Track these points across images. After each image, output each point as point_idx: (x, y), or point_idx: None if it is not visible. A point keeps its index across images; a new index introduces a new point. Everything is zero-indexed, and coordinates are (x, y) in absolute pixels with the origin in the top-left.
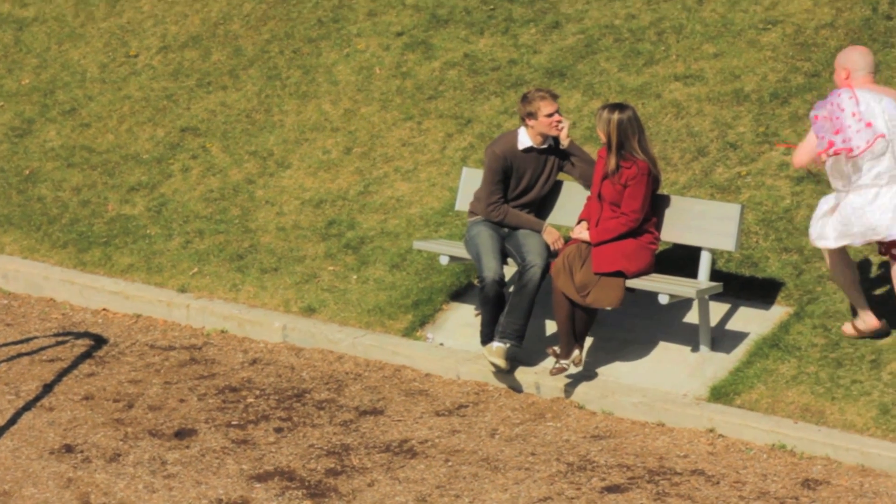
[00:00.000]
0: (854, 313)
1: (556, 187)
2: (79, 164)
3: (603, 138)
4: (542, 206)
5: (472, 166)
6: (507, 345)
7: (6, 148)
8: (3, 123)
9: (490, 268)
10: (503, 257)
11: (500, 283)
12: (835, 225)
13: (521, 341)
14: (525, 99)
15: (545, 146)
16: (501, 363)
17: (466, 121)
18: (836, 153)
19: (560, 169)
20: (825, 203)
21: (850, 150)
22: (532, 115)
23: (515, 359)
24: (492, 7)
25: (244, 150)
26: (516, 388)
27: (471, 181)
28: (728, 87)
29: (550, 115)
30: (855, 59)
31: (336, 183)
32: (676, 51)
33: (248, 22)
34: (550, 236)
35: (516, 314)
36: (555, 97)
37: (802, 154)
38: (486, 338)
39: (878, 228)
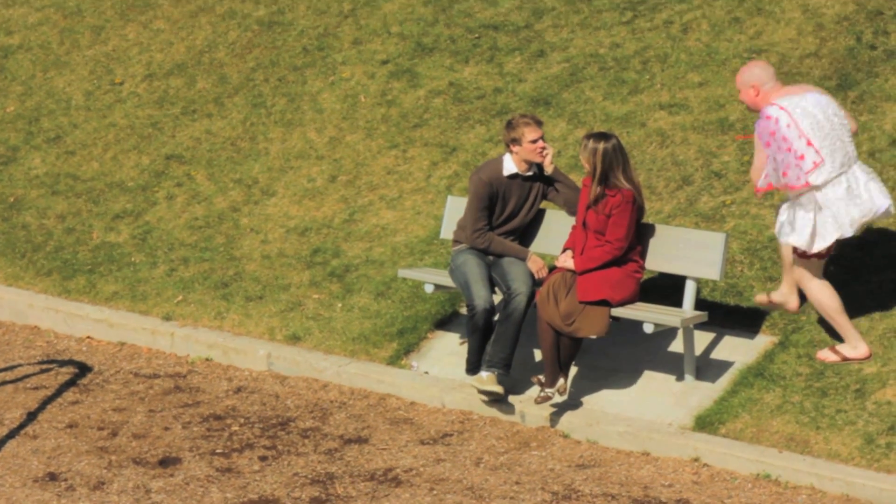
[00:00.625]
0: (840, 339)
1: (540, 215)
2: (63, 191)
3: (587, 167)
4: (526, 234)
5: (457, 194)
6: (495, 374)
7: None
8: None
9: (480, 296)
10: (491, 285)
11: (491, 311)
12: (825, 223)
13: (509, 370)
14: (510, 125)
15: (530, 173)
16: (498, 389)
17: (451, 149)
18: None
19: (544, 196)
20: (799, 209)
21: (805, 184)
22: (516, 142)
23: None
24: (477, 36)
25: (229, 177)
26: (501, 416)
27: (456, 209)
28: (713, 115)
29: (535, 142)
30: (758, 74)
31: (321, 211)
32: (661, 80)
33: (234, 50)
34: (535, 264)
35: (503, 343)
36: (539, 123)
37: (755, 175)
38: (473, 366)
39: (874, 208)
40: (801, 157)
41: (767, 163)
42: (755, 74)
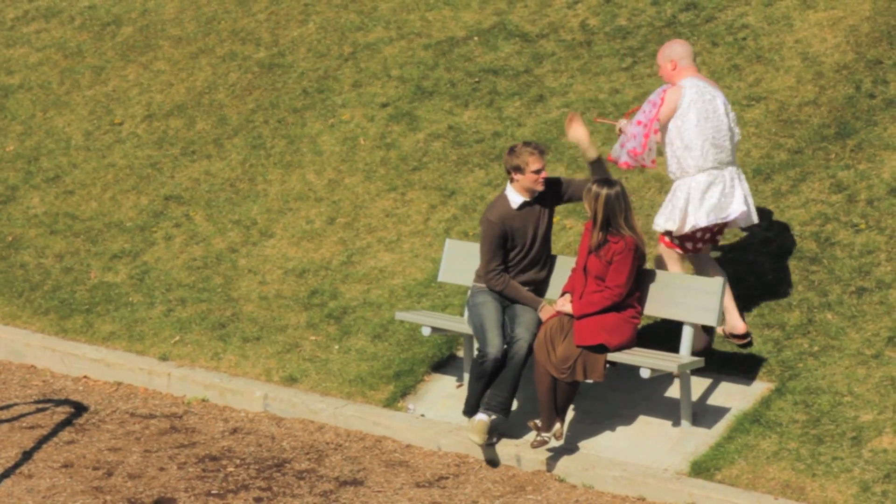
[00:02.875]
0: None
1: (562, 264)
2: (62, 231)
3: (590, 213)
4: (549, 261)
5: (456, 237)
6: (492, 417)
7: None
8: None
9: (494, 344)
10: (504, 329)
11: (502, 361)
12: (689, 211)
13: (507, 414)
14: (512, 151)
15: (533, 197)
16: (478, 439)
17: (450, 192)
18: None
19: (561, 199)
20: (673, 195)
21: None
22: (519, 170)
23: (496, 430)
24: (476, 80)
25: (228, 218)
26: (497, 460)
27: (454, 253)
28: None
29: (538, 172)
30: (678, 51)
31: (319, 253)
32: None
33: (234, 91)
34: (545, 315)
35: (502, 387)
36: (542, 153)
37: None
38: (472, 409)
39: (729, 211)
40: (640, 151)
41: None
42: (676, 51)
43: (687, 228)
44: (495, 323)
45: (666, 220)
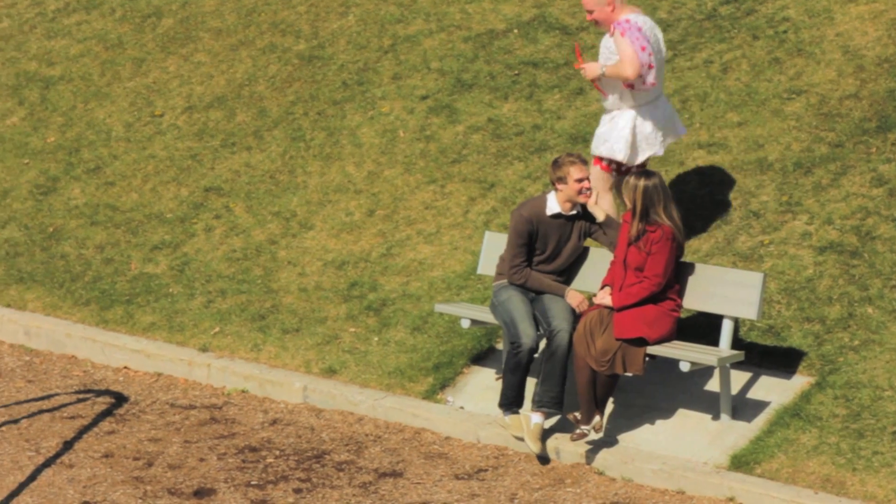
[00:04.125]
0: None
1: (584, 253)
2: (102, 222)
3: (628, 204)
4: (569, 272)
5: (495, 230)
6: (547, 417)
7: (31, 205)
8: (28, 181)
9: (528, 334)
10: (535, 320)
11: (535, 349)
12: (642, 138)
13: (560, 408)
14: (556, 163)
15: (573, 212)
16: (535, 447)
17: (490, 185)
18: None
19: (588, 235)
20: (618, 121)
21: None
22: (562, 180)
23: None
24: (516, 72)
25: (267, 210)
26: (547, 456)
27: (493, 245)
28: (752, 155)
29: (580, 181)
30: None
31: (358, 245)
32: (700, 119)
33: (274, 83)
34: (574, 299)
35: (551, 381)
36: (586, 163)
37: (634, 65)
38: (509, 402)
39: (677, 131)
40: (651, 66)
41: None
42: None
43: (641, 159)
44: (525, 314)
45: (612, 149)
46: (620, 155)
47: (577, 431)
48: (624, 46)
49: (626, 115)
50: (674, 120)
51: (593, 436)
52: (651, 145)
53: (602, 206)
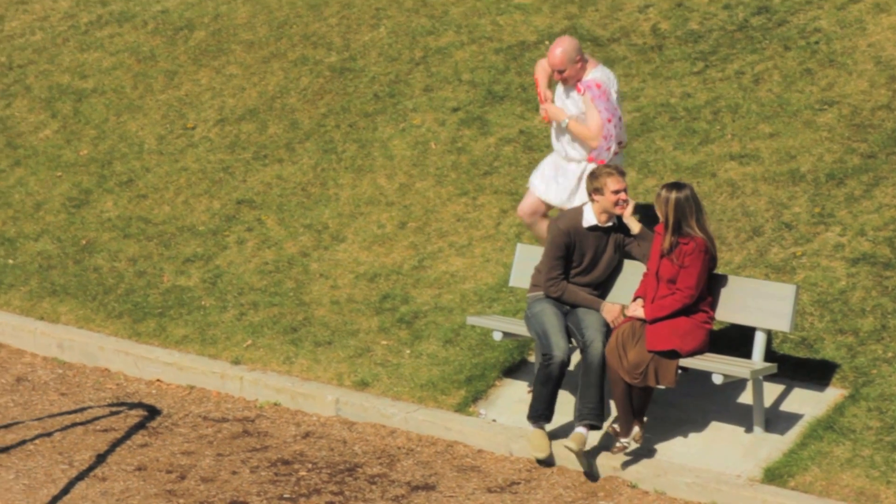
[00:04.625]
0: None
1: (618, 266)
2: (135, 234)
3: (661, 216)
4: (605, 285)
5: (527, 242)
6: (587, 429)
7: (63, 218)
8: (60, 194)
9: (559, 347)
10: (568, 333)
11: (567, 363)
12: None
13: (601, 419)
14: (593, 175)
15: (609, 224)
16: (578, 450)
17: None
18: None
19: (624, 247)
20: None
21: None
22: (598, 191)
23: (556, 437)
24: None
25: (299, 223)
26: (569, 466)
27: (525, 257)
28: (784, 167)
29: (617, 192)
30: (578, 46)
31: (390, 257)
32: (732, 130)
33: (305, 96)
34: (609, 313)
35: (590, 394)
36: (622, 174)
37: (599, 137)
38: (538, 415)
39: None
40: (612, 137)
41: (606, 123)
42: (577, 47)
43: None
44: (557, 327)
45: (556, 195)
46: (557, 200)
47: (618, 445)
48: (593, 116)
49: (580, 166)
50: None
51: (634, 446)
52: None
53: (537, 231)
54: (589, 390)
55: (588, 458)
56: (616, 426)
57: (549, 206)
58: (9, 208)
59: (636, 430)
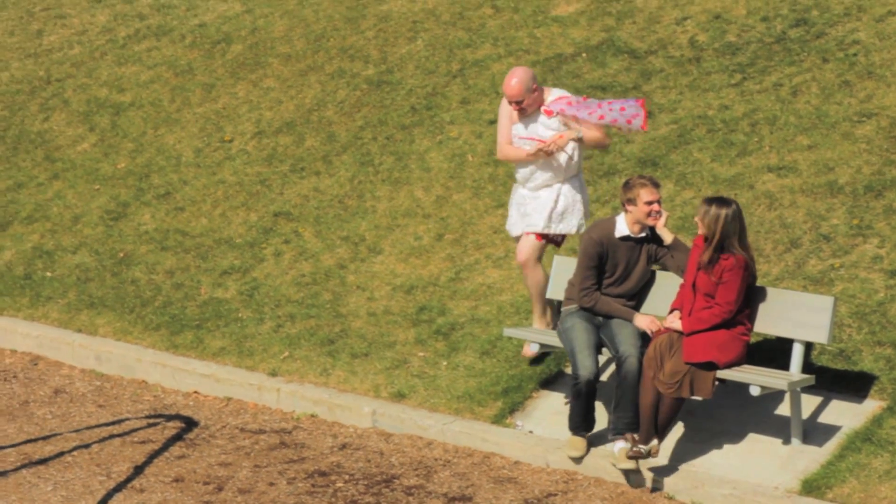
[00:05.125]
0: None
1: (651, 277)
2: (172, 247)
3: (705, 231)
4: (639, 296)
5: (563, 254)
6: (625, 441)
7: (101, 231)
8: (98, 206)
9: (585, 366)
10: (598, 349)
11: (595, 380)
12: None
13: (637, 430)
14: (627, 185)
15: (642, 235)
16: (630, 466)
17: None
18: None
19: (657, 259)
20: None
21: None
22: (631, 202)
23: (591, 444)
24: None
25: (336, 235)
26: (606, 478)
27: (562, 269)
28: (822, 178)
29: (650, 203)
30: (533, 75)
31: (427, 269)
32: (770, 142)
33: (342, 108)
34: (643, 323)
35: (624, 407)
36: (657, 186)
37: (602, 130)
38: (575, 426)
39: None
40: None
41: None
42: (532, 75)
43: (562, 230)
44: (586, 344)
45: (532, 223)
46: (537, 227)
47: (634, 449)
48: (584, 117)
49: (553, 189)
50: (585, 196)
51: (651, 460)
52: (573, 216)
53: (531, 279)
54: (623, 403)
55: (632, 472)
56: (636, 435)
57: (542, 247)
58: (47, 221)
59: (654, 442)
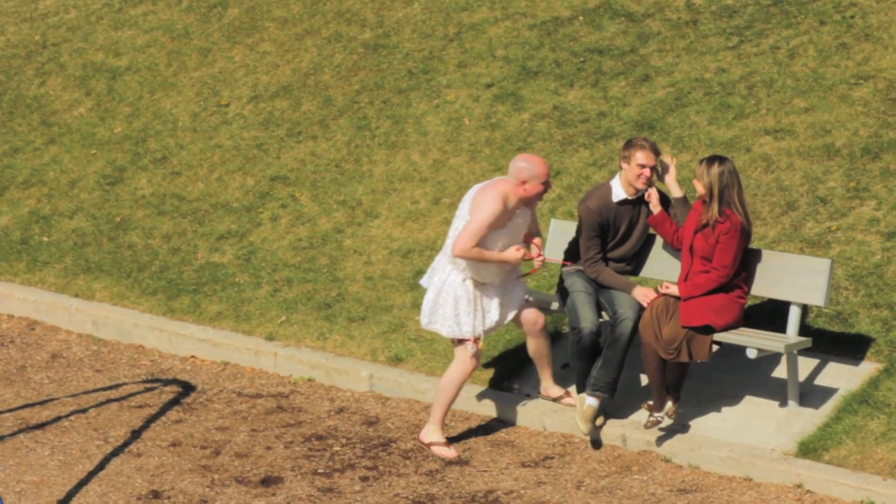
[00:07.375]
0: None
1: (649, 241)
2: (169, 212)
3: (702, 190)
4: (637, 260)
5: (561, 218)
6: (599, 400)
7: (98, 196)
8: (95, 171)
9: (587, 319)
10: (598, 308)
11: (597, 333)
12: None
13: (614, 394)
14: (628, 143)
15: (637, 196)
16: (584, 427)
17: (555, 172)
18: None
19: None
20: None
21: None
22: (626, 160)
23: (603, 411)
24: (581, 60)
25: (333, 199)
26: (602, 440)
27: (559, 232)
28: (819, 141)
29: (642, 167)
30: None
31: (424, 233)
32: (767, 105)
33: (339, 72)
34: (639, 294)
35: (609, 367)
36: (656, 153)
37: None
38: (581, 387)
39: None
40: None
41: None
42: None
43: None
44: (586, 299)
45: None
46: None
47: (651, 419)
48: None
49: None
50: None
51: (667, 421)
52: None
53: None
54: (610, 363)
55: (597, 429)
56: (650, 402)
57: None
58: (43, 186)
59: (669, 405)
